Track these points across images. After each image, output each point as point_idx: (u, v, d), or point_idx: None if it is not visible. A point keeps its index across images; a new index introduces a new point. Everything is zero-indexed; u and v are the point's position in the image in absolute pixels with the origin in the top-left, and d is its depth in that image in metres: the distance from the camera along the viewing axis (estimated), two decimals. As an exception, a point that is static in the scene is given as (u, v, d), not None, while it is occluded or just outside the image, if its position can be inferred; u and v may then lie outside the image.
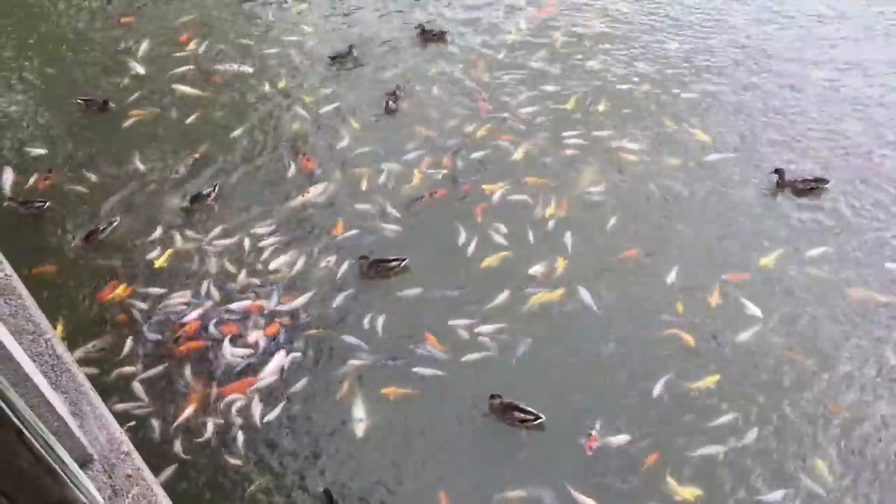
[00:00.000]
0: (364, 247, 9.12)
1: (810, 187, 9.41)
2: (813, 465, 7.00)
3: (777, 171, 9.55)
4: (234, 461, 7.24)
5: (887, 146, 10.00)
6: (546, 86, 11.19)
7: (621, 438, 7.24)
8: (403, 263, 8.78)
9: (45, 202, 9.76)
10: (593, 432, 7.25)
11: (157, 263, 9.04)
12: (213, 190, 9.79)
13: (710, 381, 7.64)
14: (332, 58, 11.92)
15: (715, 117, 10.56)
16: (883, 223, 9.05)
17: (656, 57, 11.67)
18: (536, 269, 8.71)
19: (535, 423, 7.36)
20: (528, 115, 10.69)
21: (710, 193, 9.52)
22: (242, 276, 8.86)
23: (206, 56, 12.20)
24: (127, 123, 10.99)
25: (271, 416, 7.57)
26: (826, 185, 9.41)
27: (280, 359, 8.04)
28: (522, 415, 7.42)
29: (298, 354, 8.08)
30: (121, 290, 8.77)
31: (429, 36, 12.23)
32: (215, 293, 8.69)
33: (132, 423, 7.46)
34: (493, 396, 7.49)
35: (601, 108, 10.68)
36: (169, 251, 9.17)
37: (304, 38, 12.59)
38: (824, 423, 7.29)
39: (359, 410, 7.57)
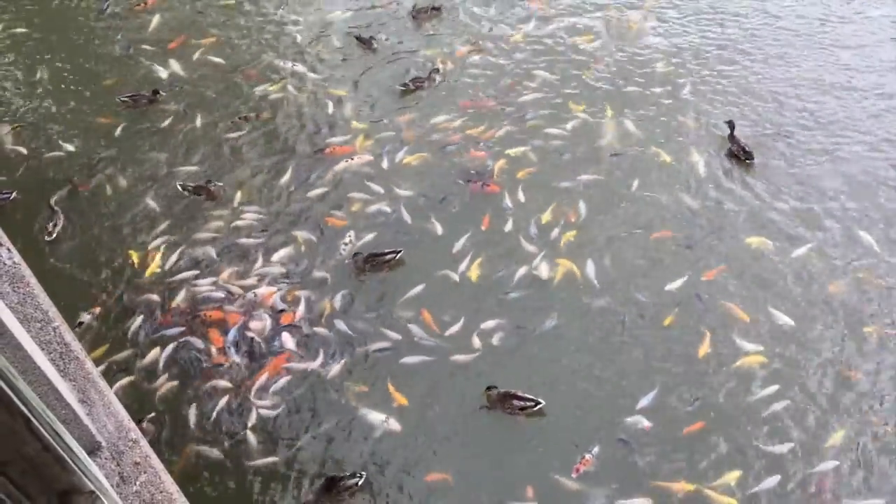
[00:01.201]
0: (387, 230, 9.02)
1: (735, 154, 9.49)
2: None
3: (729, 122, 9.61)
4: (242, 457, 7.17)
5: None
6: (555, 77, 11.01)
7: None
8: (398, 256, 8.59)
9: (12, 193, 9.54)
10: (588, 455, 6.95)
11: (153, 267, 8.85)
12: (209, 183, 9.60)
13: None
14: (358, 38, 11.70)
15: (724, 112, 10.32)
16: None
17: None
18: (542, 270, 8.54)
19: (536, 408, 7.25)
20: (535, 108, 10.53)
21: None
22: (255, 264, 8.77)
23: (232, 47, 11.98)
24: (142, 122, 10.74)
25: (278, 410, 7.50)
26: (750, 162, 9.41)
27: (290, 346, 7.95)
28: (521, 402, 7.30)
29: (323, 345, 7.97)
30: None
31: (423, 12, 12.05)
32: (233, 286, 8.59)
33: (151, 414, 7.39)
34: (489, 388, 7.38)
35: (610, 110, 10.43)
36: (164, 248, 9.04)
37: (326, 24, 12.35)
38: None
39: (377, 413, 7.42)
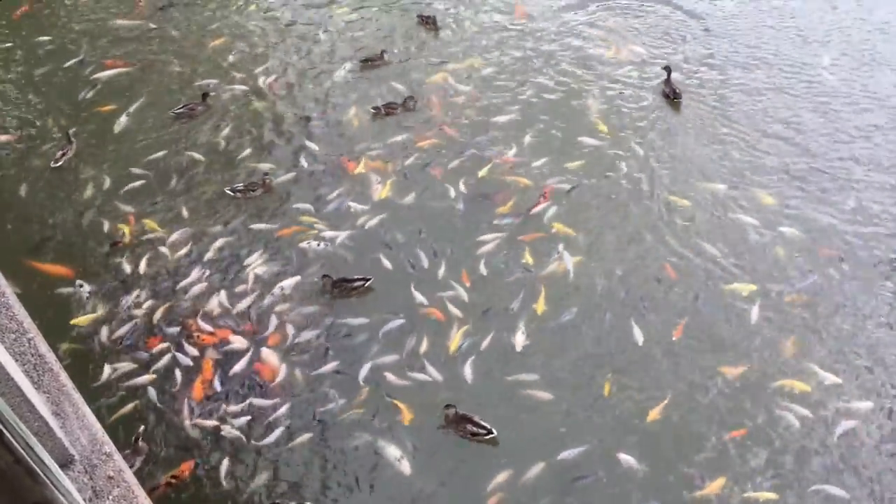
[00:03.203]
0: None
1: (667, 94, 10.01)
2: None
3: (666, 67, 10.12)
4: (224, 485, 6.75)
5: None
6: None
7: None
8: (367, 284, 8.12)
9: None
10: None
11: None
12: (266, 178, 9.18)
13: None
14: (364, 61, 11.05)
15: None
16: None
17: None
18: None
19: (487, 437, 6.88)
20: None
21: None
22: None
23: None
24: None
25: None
26: (678, 101, 9.88)
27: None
28: (475, 428, 6.95)
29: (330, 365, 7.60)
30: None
31: (427, 20, 11.70)
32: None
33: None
34: (447, 406, 7.03)
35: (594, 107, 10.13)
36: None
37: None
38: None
39: (394, 449, 6.95)
